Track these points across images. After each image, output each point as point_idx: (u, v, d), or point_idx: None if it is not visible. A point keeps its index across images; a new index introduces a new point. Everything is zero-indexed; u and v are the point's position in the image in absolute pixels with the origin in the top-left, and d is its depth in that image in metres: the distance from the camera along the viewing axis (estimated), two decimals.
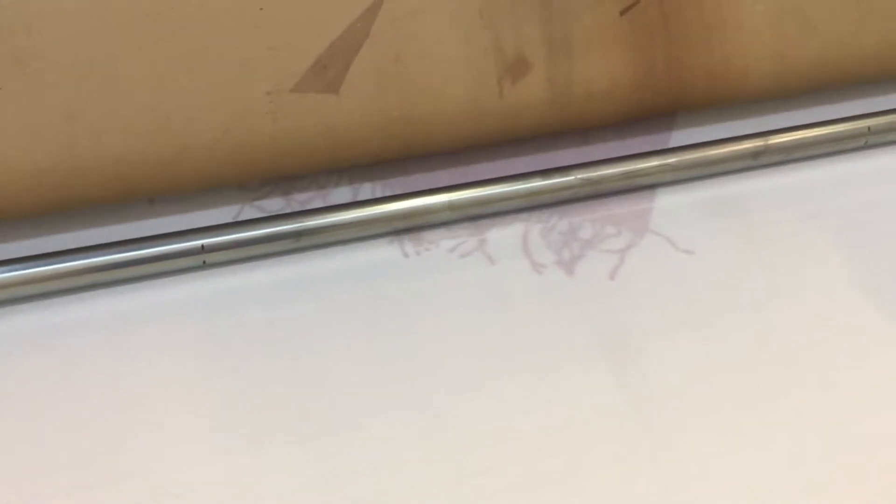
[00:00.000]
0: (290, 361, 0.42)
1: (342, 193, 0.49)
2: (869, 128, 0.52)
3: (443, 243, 0.48)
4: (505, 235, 0.48)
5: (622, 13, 0.48)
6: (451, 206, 0.48)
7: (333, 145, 0.46)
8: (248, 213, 0.48)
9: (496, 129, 0.49)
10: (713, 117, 0.55)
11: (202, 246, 0.45)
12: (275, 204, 0.49)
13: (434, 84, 0.46)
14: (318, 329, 0.43)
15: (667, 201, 0.50)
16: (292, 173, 0.47)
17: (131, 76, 0.42)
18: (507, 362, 0.42)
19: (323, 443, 0.39)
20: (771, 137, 0.51)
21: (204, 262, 0.45)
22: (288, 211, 0.47)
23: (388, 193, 0.49)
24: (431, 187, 0.48)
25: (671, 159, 0.50)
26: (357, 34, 0.44)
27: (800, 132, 0.52)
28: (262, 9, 0.43)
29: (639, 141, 0.53)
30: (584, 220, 0.49)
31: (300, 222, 0.46)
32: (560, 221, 0.49)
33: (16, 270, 0.43)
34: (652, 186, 0.51)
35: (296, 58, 0.44)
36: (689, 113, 0.54)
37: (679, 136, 0.54)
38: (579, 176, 0.49)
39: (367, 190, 0.49)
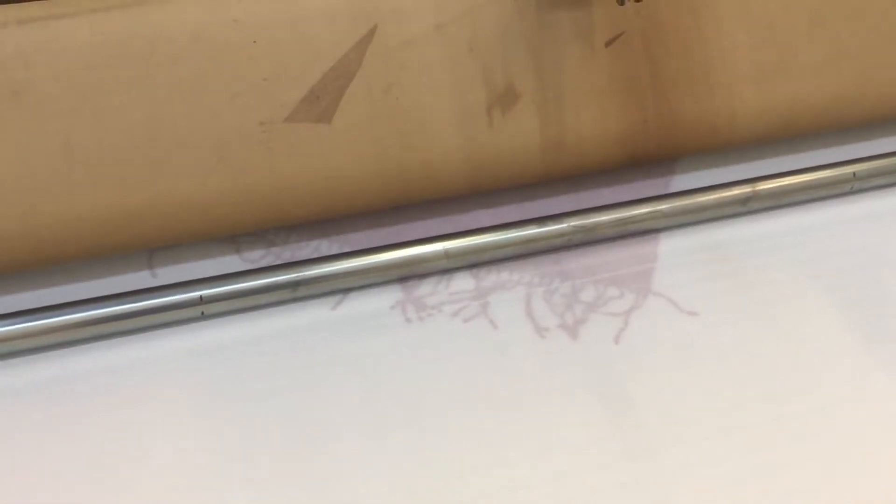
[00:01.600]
0: (291, 414, 0.42)
1: (333, 245, 0.50)
2: (854, 173, 0.53)
3: (445, 308, 0.47)
4: (507, 299, 0.48)
5: (607, 45, 0.49)
6: (447, 255, 0.48)
7: (328, 178, 0.46)
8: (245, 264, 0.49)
9: (488, 164, 0.49)
10: (714, 161, 0.55)
11: (201, 297, 0.45)
12: (268, 256, 0.49)
13: (425, 114, 0.47)
14: (317, 387, 0.43)
15: (663, 251, 0.51)
16: (287, 209, 0.48)
17: (126, 107, 0.43)
18: (512, 428, 0.42)
19: (321, 495, 0.39)
20: (759, 184, 0.52)
21: (202, 312, 0.45)
22: (285, 261, 0.48)
23: (383, 243, 0.49)
24: (427, 236, 0.49)
25: (662, 206, 0.51)
26: (349, 65, 0.45)
27: (787, 178, 0.53)
28: (255, 42, 0.44)
29: (640, 185, 0.54)
30: (586, 281, 0.49)
31: (298, 272, 0.47)
32: (562, 284, 0.49)
33: (12, 325, 0.43)
34: (644, 233, 0.51)
35: (289, 88, 0.45)
36: (688, 159, 0.55)
37: (680, 182, 0.54)
38: (573, 223, 0.50)
39: (361, 239, 0.50)
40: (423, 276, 0.49)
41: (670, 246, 0.51)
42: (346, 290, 0.48)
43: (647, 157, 0.52)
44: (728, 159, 0.56)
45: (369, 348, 0.45)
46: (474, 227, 0.50)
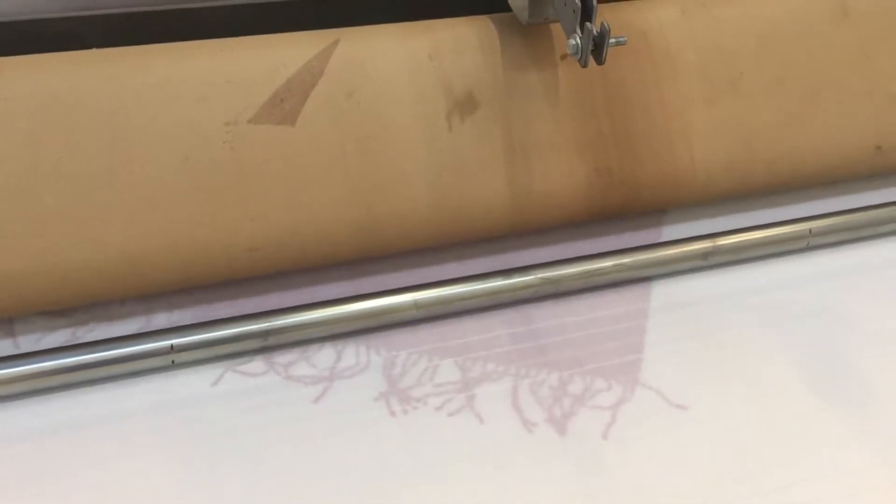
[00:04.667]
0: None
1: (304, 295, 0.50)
2: (811, 230, 0.55)
3: (430, 400, 0.46)
4: (493, 391, 0.46)
5: (562, 58, 0.51)
6: (416, 305, 0.49)
7: (290, 179, 0.47)
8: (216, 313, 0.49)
9: (448, 171, 0.50)
10: (705, 212, 0.57)
11: (171, 346, 0.46)
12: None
13: (386, 120, 0.48)
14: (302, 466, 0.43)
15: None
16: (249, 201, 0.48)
17: (93, 106, 0.44)
18: None
19: None
20: (719, 239, 0.54)
21: (173, 361, 0.46)
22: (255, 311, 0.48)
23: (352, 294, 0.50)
24: (396, 287, 0.50)
25: (625, 259, 0.53)
26: (313, 72, 0.47)
27: (746, 234, 0.55)
28: (221, 50, 0.47)
29: (631, 236, 0.55)
30: (573, 373, 0.48)
31: (268, 322, 0.47)
32: (549, 376, 0.47)
33: None
34: (608, 286, 0.53)
35: (254, 92, 0.47)
36: (678, 210, 0.57)
37: (670, 232, 0.56)
38: (539, 275, 0.51)
39: (335, 290, 0.51)
40: (392, 326, 0.49)
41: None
42: (319, 340, 0.48)
43: (608, 212, 0.54)
44: (713, 211, 0.57)
45: (352, 442, 0.44)
46: (443, 278, 0.51)
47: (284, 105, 0.46)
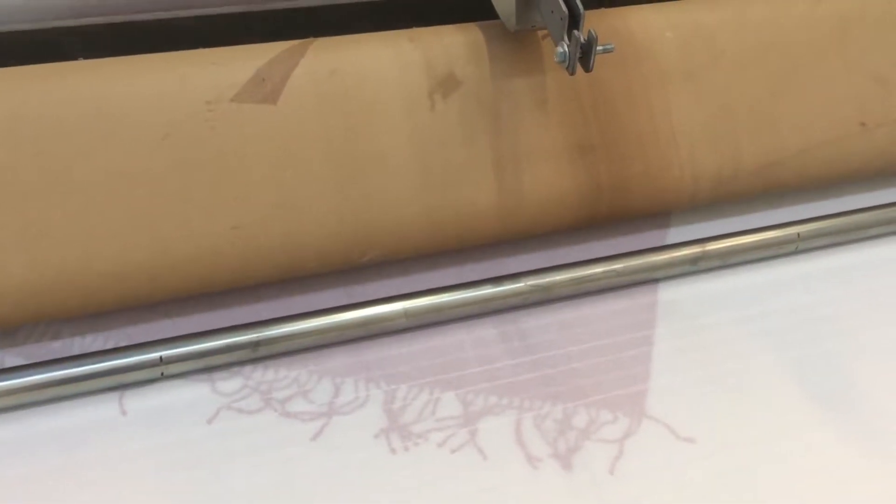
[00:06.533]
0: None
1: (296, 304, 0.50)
2: (798, 234, 0.56)
3: (432, 436, 0.44)
4: (496, 425, 0.45)
5: (543, 37, 0.51)
6: (406, 314, 0.49)
7: (272, 157, 0.47)
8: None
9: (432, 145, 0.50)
10: (712, 214, 0.57)
11: (160, 358, 0.45)
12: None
13: (368, 96, 0.48)
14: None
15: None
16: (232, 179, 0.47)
17: (78, 82, 0.45)
18: None
19: None
20: (708, 244, 0.54)
21: (162, 373, 0.46)
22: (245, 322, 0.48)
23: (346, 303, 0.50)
24: (386, 296, 0.50)
25: (616, 265, 0.53)
26: (294, 54, 0.47)
27: (735, 239, 0.55)
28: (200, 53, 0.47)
29: (637, 238, 0.55)
30: (578, 405, 0.46)
31: (258, 332, 0.47)
32: (553, 408, 0.46)
33: None
34: (597, 292, 0.53)
35: (236, 71, 0.47)
36: (683, 213, 0.57)
37: (676, 234, 0.56)
38: (529, 282, 0.51)
39: (324, 300, 0.51)
40: (382, 334, 0.49)
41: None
42: (311, 348, 0.48)
43: (599, 218, 0.54)
44: (724, 211, 0.57)
45: (352, 482, 0.42)
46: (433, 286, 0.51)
47: (266, 84, 0.47)
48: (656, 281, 0.54)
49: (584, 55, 0.45)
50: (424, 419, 0.45)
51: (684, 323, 0.51)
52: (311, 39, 0.48)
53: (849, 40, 0.57)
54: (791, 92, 0.56)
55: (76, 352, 0.46)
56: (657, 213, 0.56)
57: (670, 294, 0.53)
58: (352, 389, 0.46)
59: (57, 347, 0.47)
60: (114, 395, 0.45)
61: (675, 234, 0.56)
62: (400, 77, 0.49)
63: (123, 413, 0.44)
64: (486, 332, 0.50)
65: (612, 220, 0.55)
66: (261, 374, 0.47)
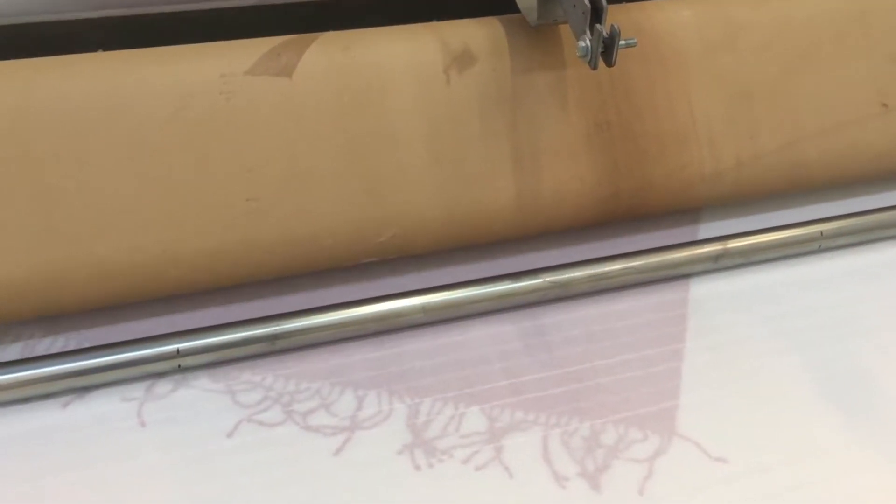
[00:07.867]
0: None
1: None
2: (822, 232, 0.55)
3: (456, 453, 0.43)
4: (523, 442, 0.44)
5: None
6: (423, 309, 0.49)
7: (286, 126, 0.47)
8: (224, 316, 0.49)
9: (445, 121, 0.49)
10: (742, 210, 0.56)
11: (178, 350, 0.45)
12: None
13: (383, 73, 0.48)
14: None
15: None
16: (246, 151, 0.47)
17: (94, 70, 0.45)
18: None
19: None
20: (730, 241, 0.54)
21: (179, 365, 0.46)
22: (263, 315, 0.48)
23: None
24: (404, 290, 0.50)
25: (635, 262, 0.52)
26: (309, 38, 0.48)
27: (756, 236, 0.54)
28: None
29: (670, 233, 0.55)
30: (607, 422, 0.45)
31: (276, 325, 0.47)
32: (581, 425, 0.45)
33: None
34: (617, 289, 0.52)
35: (251, 46, 0.47)
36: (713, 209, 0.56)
37: (707, 230, 0.55)
38: (548, 279, 0.51)
39: (342, 294, 0.50)
40: (399, 330, 0.49)
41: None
42: (323, 344, 0.48)
43: (619, 214, 0.54)
44: (753, 208, 0.57)
45: (375, 499, 0.41)
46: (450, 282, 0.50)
47: (281, 58, 0.47)
48: (677, 278, 0.53)
49: (607, 49, 0.45)
50: (449, 435, 0.44)
51: (711, 324, 0.50)
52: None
53: (869, 20, 0.56)
54: (810, 72, 0.55)
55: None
56: (680, 207, 0.55)
57: (693, 292, 0.52)
58: (374, 402, 0.45)
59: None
60: (132, 405, 0.45)
61: (705, 230, 0.55)
62: (414, 52, 0.49)
63: (142, 424, 0.44)
64: (504, 328, 0.50)
65: (634, 214, 0.54)
66: (282, 385, 0.46)
